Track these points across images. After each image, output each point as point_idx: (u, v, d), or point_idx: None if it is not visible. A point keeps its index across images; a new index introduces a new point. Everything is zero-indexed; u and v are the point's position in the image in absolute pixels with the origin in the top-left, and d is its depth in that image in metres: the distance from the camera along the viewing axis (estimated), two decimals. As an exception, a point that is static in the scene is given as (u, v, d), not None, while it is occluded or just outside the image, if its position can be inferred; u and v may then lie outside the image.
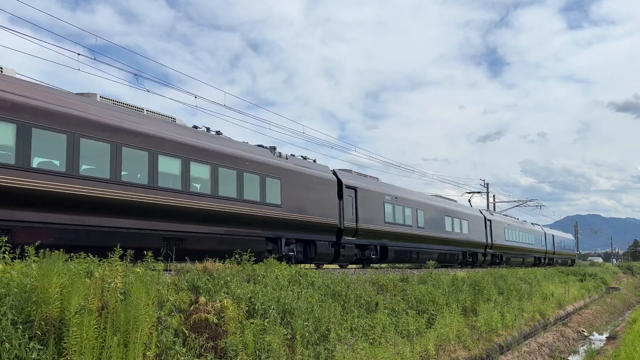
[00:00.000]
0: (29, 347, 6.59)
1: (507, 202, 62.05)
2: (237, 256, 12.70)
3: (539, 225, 55.41)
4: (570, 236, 70.00)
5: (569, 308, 33.01)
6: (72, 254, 8.58)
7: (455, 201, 36.82)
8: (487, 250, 38.01)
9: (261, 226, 17.39)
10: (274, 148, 19.28)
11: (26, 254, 7.93)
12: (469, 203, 42.91)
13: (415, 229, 27.55)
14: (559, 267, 52.67)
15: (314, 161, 21.78)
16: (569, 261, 65.73)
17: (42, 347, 6.77)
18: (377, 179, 26.90)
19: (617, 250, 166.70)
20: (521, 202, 61.38)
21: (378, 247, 24.61)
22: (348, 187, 22.69)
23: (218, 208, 15.54)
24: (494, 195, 58.54)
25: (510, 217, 48.45)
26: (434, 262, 27.05)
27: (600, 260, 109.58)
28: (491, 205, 57.54)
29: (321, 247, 20.36)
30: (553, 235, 57.40)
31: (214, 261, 12.00)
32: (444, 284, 19.91)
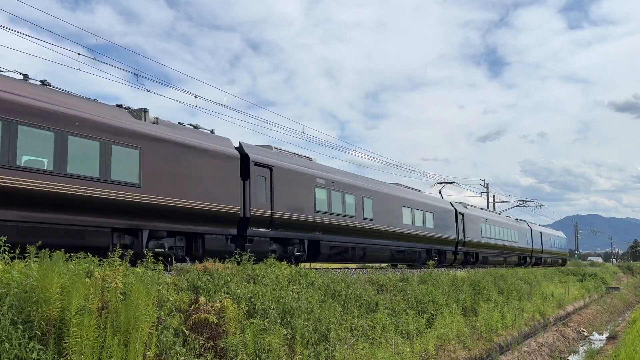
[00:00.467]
0: (29, 347, 6.59)
1: (507, 202, 62.13)
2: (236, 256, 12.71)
3: (524, 221, 51.55)
4: (561, 234, 64.85)
5: (569, 308, 33.02)
6: (71, 254, 8.59)
7: (420, 191, 31.84)
8: (459, 247, 33.73)
9: (104, 213, 13.22)
10: (143, 110, 15.00)
11: (26, 254, 7.94)
12: (440, 195, 37.22)
13: (360, 221, 23.09)
14: (558, 268, 52.24)
15: (212, 132, 17.57)
16: (560, 260, 61.84)
17: (42, 347, 6.77)
18: (311, 159, 22.39)
19: (617, 250, 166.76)
20: (521, 202, 61.43)
21: (306, 242, 20.16)
22: (259, 164, 18.14)
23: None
24: (493, 195, 58.57)
25: (491, 211, 44.55)
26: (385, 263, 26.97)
27: (600, 260, 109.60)
28: (491, 205, 57.54)
29: (212, 241, 16.07)
30: (541, 233, 53.52)
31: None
32: (444, 284, 19.91)
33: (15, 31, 14.33)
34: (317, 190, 20.71)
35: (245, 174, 17.49)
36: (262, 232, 17.95)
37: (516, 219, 49.57)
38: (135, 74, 17.37)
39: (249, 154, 17.89)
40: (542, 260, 53.73)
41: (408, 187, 30.50)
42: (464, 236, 34.36)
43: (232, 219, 16.75)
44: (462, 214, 34.70)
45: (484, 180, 56.73)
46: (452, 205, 34.26)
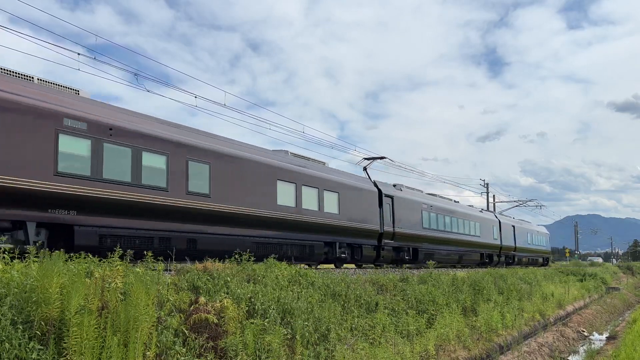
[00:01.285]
0: (29, 347, 6.59)
1: (507, 202, 62.09)
2: (236, 256, 12.72)
3: (492, 212, 45.07)
4: (542, 229, 56.07)
5: (569, 308, 33.02)
6: (71, 255, 8.59)
7: (324, 164, 23.59)
8: (385, 241, 25.73)
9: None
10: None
11: (26, 254, 7.94)
12: (366, 174, 28.16)
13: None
14: (556, 268, 51.61)
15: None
16: (540, 260, 53.35)
17: (42, 347, 6.77)
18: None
19: (617, 250, 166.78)
20: (521, 202, 61.41)
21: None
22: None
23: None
24: (494, 196, 58.50)
25: (443, 198, 35.18)
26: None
27: (600, 260, 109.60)
28: (491, 205, 57.51)
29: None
30: (513, 227, 45.14)
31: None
32: (444, 284, 19.91)
33: (15, 31, 14.33)
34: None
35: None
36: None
37: (481, 210, 42.42)
38: (135, 74, 17.36)
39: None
40: (515, 260, 45.64)
41: (307, 159, 22.40)
42: (393, 227, 26.57)
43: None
44: (392, 198, 26.93)
45: (483, 180, 56.76)
46: (376, 186, 26.19)
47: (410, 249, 28.38)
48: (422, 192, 32.28)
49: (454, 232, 33.68)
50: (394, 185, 28.93)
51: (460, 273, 23.81)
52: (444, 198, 35.31)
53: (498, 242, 41.51)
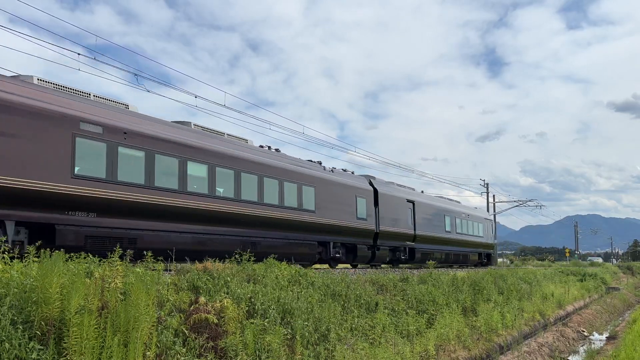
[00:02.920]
0: (29, 347, 6.59)
1: (507, 202, 62.04)
2: (236, 256, 12.75)
3: (406, 187, 30.66)
4: (479, 212, 41.78)
5: (569, 308, 33.02)
6: (71, 254, 8.59)
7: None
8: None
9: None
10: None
11: (26, 254, 7.94)
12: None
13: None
14: (544, 267, 51.28)
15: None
16: (480, 256, 39.41)
17: (42, 347, 6.77)
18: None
19: (617, 250, 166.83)
20: (521, 202, 61.39)
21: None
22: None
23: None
24: (494, 196, 58.45)
25: (287, 156, 20.95)
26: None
27: (600, 260, 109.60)
28: (491, 205, 57.48)
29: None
30: (412, 203, 29.11)
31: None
32: (443, 284, 19.91)
33: (15, 31, 14.33)
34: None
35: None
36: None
37: (398, 184, 29.90)
38: (135, 74, 17.36)
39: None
40: (416, 256, 28.97)
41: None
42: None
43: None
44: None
45: (483, 180, 56.71)
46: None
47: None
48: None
49: (293, 211, 20.61)
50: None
51: (460, 273, 23.80)
52: (316, 164, 22.85)
53: (371, 226, 24.77)
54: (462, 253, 36.26)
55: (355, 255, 23.67)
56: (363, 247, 24.11)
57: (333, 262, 22.58)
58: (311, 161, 22.69)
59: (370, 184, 25.98)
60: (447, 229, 33.50)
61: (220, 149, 16.91)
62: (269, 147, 20.42)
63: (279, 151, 20.78)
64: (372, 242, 24.98)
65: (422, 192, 33.56)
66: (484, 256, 40.84)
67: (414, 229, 28.94)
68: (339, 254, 22.39)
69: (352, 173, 25.48)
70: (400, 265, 28.06)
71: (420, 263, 29.39)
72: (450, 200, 37.95)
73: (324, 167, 22.93)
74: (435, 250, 31.56)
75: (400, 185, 30.19)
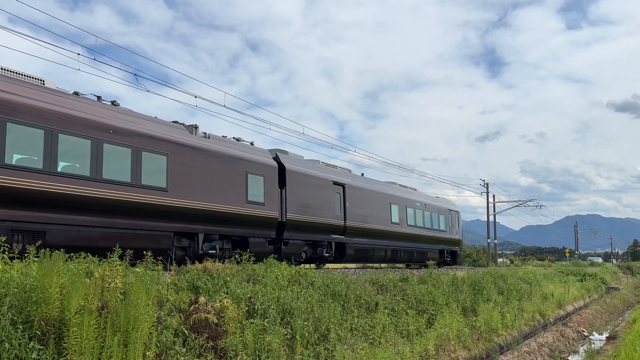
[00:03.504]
0: (28, 347, 6.59)
1: (507, 202, 62.04)
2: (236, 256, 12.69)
3: (339, 167, 24.83)
4: (446, 204, 35.45)
5: (569, 308, 33.03)
6: (71, 254, 8.58)
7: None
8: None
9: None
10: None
11: (26, 254, 7.93)
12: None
13: None
14: (544, 267, 51.32)
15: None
16: (442, 253, 33.16)
17: (42, 347, 6.77)
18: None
19: (617, 250, 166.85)
20: (521, 202, 61.38)
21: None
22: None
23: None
24: (494, 196, 58.41)
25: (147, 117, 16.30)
26: None
27: (600, 260, 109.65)
28: (491, 205, 57.48)
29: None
30: (343, 187, 23.34)
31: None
32: (443, 284, 19.92)
33: (15, 31, 14.32)
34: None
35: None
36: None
37: (324, 163, 23.97)
38: (135, 74, 17.31)
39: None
40: (347, 252, 23.14)
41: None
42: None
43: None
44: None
45: (483, 180, 56.67)
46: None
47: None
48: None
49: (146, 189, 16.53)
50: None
51: (460, 273, 23.81)
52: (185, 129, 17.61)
53: (340, 221, 22.75)
54: (417, 250, 29.83)
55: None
56: (259, 240, 18.31)
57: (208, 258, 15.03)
58: (177, 123, 16.82)
59: (277, 159, 20.06)
60: (395, 220, 27.26)
61: None
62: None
63: (117, 104, 15.07)
64: (276, 235, 19.24)
65: (363, 174, 27.36)
66: (447, 254, 34.16)
67: (344, 219, 22.89)
68: (215, 249, 16.74)
69: (252, 144, 19.47)
70: (329, 265, 22.92)
71: (357, 262, 25.45)
72: (404, 187, 31.42)
73: (193, 128, 16.96)
74: (377, 246, 25.57)
75: (329, 165, 24.14)
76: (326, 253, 22.00)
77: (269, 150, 20.55)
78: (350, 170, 25.78)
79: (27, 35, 14.59)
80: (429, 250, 31.56)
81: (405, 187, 31.82)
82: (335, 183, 22.89)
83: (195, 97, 19.34)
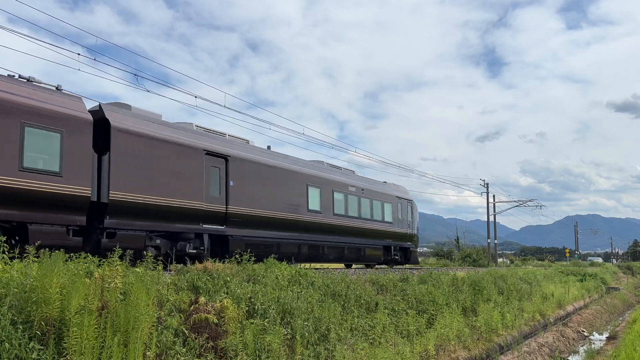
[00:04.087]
0: (29, 347, 6.59)
1: (507, 202, 62.03)
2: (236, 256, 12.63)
3: (227, 135, 19.09)
4: (395, 191, 29.64)
5: (569, 308, 33.02)
6: (71, 255, 8.58)
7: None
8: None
9: None
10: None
11: (26, 254, 7.94)
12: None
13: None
14: (541, 268, 51.33)
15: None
16: (387, 251, 27.73)
17: (42, 347, 6.77)
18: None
19: (617, 250, 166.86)
20: (521, 202, 61.36)
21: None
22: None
23: None
24: (494, 196, 58.37)
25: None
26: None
27: (600, 260, 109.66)
28: (491, 205, 57.46)
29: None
30: (235, 162, 18.06)
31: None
32: (443, 284, 19.92)
33: (15, 31, 14.32)
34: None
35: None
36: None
37: (211, 131, 18.61)
38: (135, 74, 17.31)
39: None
40: (230, 246, 17.39)
41: None
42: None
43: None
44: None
45: (483, 180, 56.65)
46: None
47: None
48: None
49: None
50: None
51: (460, 273, 23.80)
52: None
53: (83, 190, 13.41)
54: (349, 246, 24.27)
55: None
56: (50, 228, 12.59)
57: None
58: None
59: (99, 112, 14.40)
60: (313, 207, 21.82)
61: None
62: None
63: None
64: (88, 221, 13.47)
65: (269, 147, 21.39)
66: (394, 251, 28.24)
67: (226, 203, 17.50)
68: None
69: (59, 89, 13.82)
70: (198, 264, 13.19)
71: (246, 262, 14.27)
72: (335, 167, 25.58)
73: None
74: (284, 241, 20.00)
75: (209, 131, 18.38)
76: (193, 249, 16.28)
77: (82, 98, 14.17)
78: (248, 141, 20.00)
79: (27, 35, 14.60)
80: (368, 246, 25.83)
81: (339, 167, 25.91)
82: (210, 153, 17.13)
83: (195, 97, 19.33)
